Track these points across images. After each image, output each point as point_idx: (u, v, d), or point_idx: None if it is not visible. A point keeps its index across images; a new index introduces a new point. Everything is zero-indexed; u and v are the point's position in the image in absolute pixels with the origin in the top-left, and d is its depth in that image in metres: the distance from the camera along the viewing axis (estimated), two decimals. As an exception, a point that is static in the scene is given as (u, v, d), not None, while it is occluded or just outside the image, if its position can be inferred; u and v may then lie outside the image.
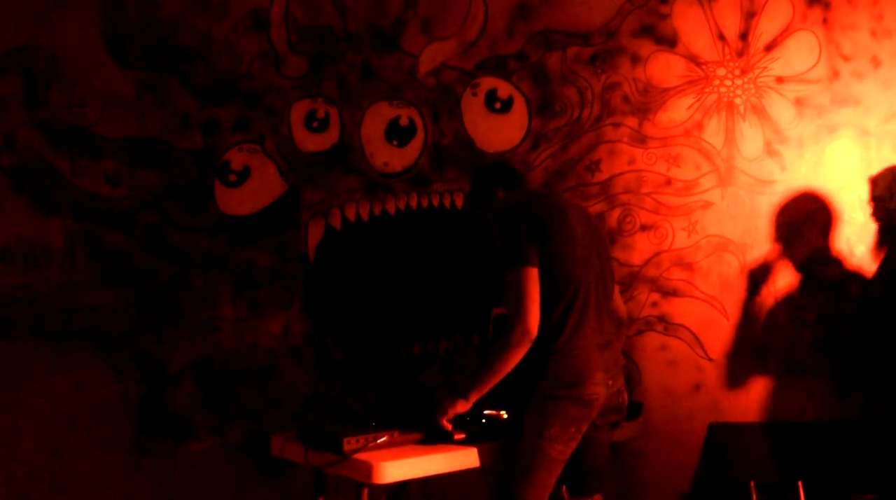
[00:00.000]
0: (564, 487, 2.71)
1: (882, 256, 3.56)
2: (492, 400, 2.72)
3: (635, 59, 3.50)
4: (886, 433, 3.42)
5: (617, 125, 3.49)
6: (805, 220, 3.56)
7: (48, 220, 3.08)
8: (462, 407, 2.55)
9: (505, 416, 2.70)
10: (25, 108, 3.06)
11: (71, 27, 3.10)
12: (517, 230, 2.53)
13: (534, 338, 2.45)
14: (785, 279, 3.54)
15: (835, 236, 3.56)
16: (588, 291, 2.57)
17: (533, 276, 2.48)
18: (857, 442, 3.41)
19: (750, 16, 3.55)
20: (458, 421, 2.60)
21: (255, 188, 3.28)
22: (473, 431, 2.61)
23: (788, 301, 3.54)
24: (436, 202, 3.42)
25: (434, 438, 2.58)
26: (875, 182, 3.55)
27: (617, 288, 2.88)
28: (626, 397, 2.69)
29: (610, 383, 2.56)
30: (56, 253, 3.10)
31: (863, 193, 3.56)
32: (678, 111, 3.52)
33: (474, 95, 3.44)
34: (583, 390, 2.48)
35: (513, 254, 2.50)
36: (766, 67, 3.55)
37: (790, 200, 3.55)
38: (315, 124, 3.33)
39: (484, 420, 2.68)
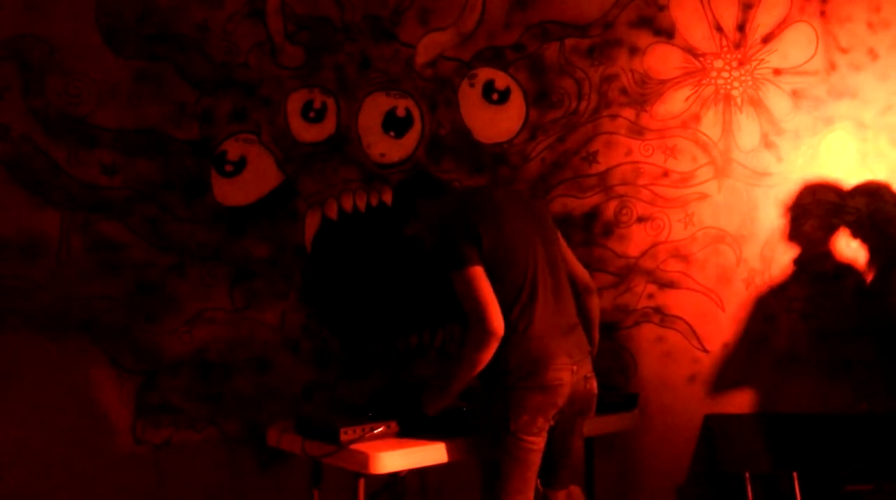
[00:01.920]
0: (539, 480, 2.70)
1: (876, 248, 3.57)
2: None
3: (633, 51, 3.50)
4: (881, 424, 3.43)
5: (614, 117, 3.49)
6: (801, 212, 3.56)
7: (44, 210, 3.08)
8: (447, 401, 2.56)
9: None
10: (21, 97, 3.06)
11: (67, 17, 3.10)
12: (451, 235, 2.49)
13: (501, 333, 2.41)
14: (781, 271, 3.55)
15: (831, 229, 3.57)
16: (536, 278, 2.53)
17: (480, 274, 2.43)
18: (852, 433, 3.42)
19: (747, 7, 3.54)
20: (455, 412, 2.60)
21: (252, 179, 3.28)
22: (470, 422, 2.61)
23: (784, 293, 3.55)
24: (433, 193, 3.41)
25: (427, 428, 2.59)
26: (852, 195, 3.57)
27: (571, 255, 2.82)
28: (595, 384, 2.63)
29: (575, 368, 2.51)
30: (52, 243, 3.10)
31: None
32: (675, 103, 3.52)
33: (471, 85, 3.44)
34: (544, 377, 2.44)
35: (453, 258, 2.46)
36: (763, 59, 3.55)
37: (787, 192, 3.56)
38: (312, 115, 3.32)
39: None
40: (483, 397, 2.53)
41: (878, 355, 3.51)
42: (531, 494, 2.50)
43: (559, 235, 2.77)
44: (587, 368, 2.60)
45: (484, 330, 2.40)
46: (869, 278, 3.56)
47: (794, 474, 3.30)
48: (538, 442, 2.47)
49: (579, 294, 2.76)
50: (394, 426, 2.56)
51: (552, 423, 2.50)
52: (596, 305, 2.88)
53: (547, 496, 2.70)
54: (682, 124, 3.53)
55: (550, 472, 2.65)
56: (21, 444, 3.05)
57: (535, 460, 2.49)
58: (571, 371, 2.51)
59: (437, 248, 2.53)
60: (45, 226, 3.08)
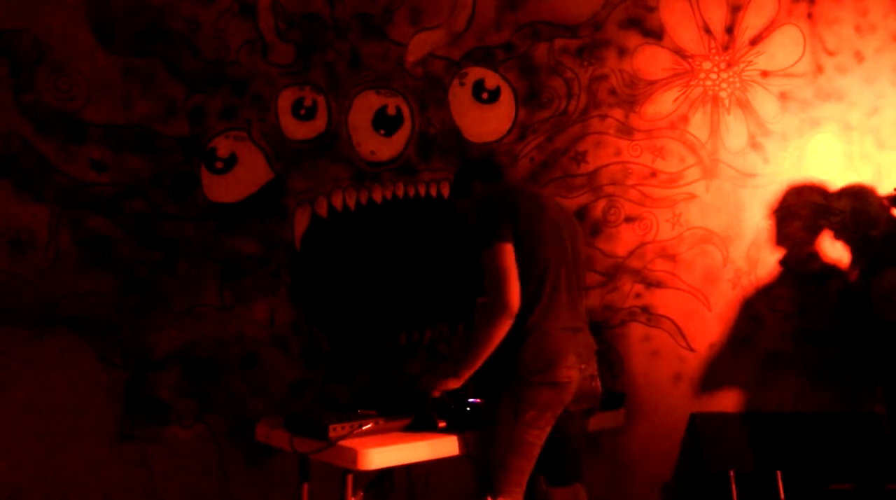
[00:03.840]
0: (542, 477, 2.74)
1: (860, 250, 3.60)
2: (473, 387, 2.74)
3: (622, 52, 3.52)
4: (864, 423, 3.47)
5: (603, 117, 3.51)
6: (787, 213, 3.59)
7: (33, 205, 3.07)
8: (454, 384, 2.58)
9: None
10: (11, 92, 3.04)
11: (57, 11, 3.09)
12: (492, 213, 2.57)
13: (515, 312, 2.48)
14: (767, 271, 3.58)
15: (816, 230, 3.60)
16: (559, 273, 2.59)
17: (508, 251, 2.51)
18: (836, 433, 3.45)
19: (736, 10, 3.57)
20: (443, 409, 2.62)
21: (242, 176, 3.28)
22: (457, 419, 2.63)
23: (769, 293, 3.58)
24: (422, 192, 3.43)
25: (419, 425, 2.60)
26: (838, 196, 3.60)
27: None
28: (599, 383, 2.69)
29: (583, 367, 2.57)
30: (41, 239, 3.09)
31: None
32: (664, 104, 3.55)
33: (462, 84, 3.45)
34: (556, 374, 2.49)
35: (487, 233, 2.54)
36: (751, 61, 3.58)
37: (774, 193, 3.58)
38: (302, 112, 3.33)
39: (468, 409, 2.69)
40: (493, 389, 2.56)
41: (861, 356, 3.54)
42: (524, 487, 2.53)
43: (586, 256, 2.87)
44: (593, 367, 2.66)
45: (500, 304, 2.47)
46: (853, 279, 3.59)
47: (778, 473, 3.32)
48: (541, 437, 2.51)
49: None
50: (382, 422, 2.57)
51: (556, 420, 2.54)
52: None
53: (550, 495, 2.73)
54: (671, 125, 3.55)
55: (556, 469, 2.70)
56: (7, 439, 3.04)
57: (536, 455, 2.52)
58: (580, 370, 2.56)
59: (477, 220, 2.61)
60: (33, 221, 3.07)
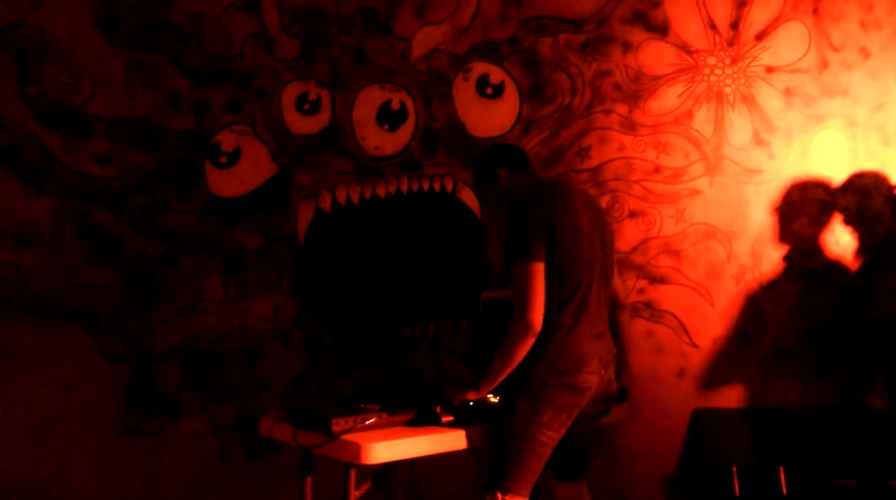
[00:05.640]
0: (550, 472, 2.75)
1: (864, 246, 3.59)
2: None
3: (627, 47, 3.51)
4: (866, 419, 3.47)
5: (607, 112, 3.51)
6: (791, 209, 3.59)
7: (38, 199, 3.08)
8: (473, 396, 2.61)
9: (493, 399, 2.72)
10: (16, 86, 3.05)
11: (62, 5, 3.09)
12: (525, 224, 2.53)
13: (538, 331, 2.47)
14: (770, 267, 3.58)
15: (820, 226, 3.59)
16: (590, 284, 2.59)
17: (538, 271, 2.48)
18: (838, 428, 3.46)
19: (741, 5, 3.56)
20: (446, 403, 2.63)
21: (246, 170, 3.28)
22: (461, 414, 2.63)
23: (773, 289, 3.58)
24: (426, 186, 3.43)
25: (422, 420, 2.61)
26: (843, 190, 3.59)
27: (616, 271, 2.89)
28: (615, 385, 2.71)
29: (602, 372, 2.59)
30: (45, 232, 3.09)
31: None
32: (668, 99, 3.54)
33: (466, 79, 3.45)
34: (577, 378, 2.51)
35: (520, 247, 2.50)
36: (756, 57, 3.57)
37: (778, 189, 3.58)
38: (306, 107, 3.33)
39: (472, 403, 2.70)
40: (512, 388, 2.56)
41: (863, 352, 3.54)
42: (533, 485, 2.55)
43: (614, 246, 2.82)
44: (611, 371, 2.67)
45: (523, 323, 2.46)
46: (856, 274, 3.59)
47: (781, 468, 3.33)
48: (555, 439, 2.53)
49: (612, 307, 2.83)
50: (385, 416, 2.57)
51: (572, 420, 2.55)
52: (626, 321, 2.97)
53: (555, 489, 2.75)
54: (675, 121, 3.55)
55: (564, 465, 2.72)
56: (11, 432, 3.05)
57: (548, 455, 2.54)
58: (599, 375, 2.58)
59: (510, 232, 2.57)
60: (38, 215, 3.08)
